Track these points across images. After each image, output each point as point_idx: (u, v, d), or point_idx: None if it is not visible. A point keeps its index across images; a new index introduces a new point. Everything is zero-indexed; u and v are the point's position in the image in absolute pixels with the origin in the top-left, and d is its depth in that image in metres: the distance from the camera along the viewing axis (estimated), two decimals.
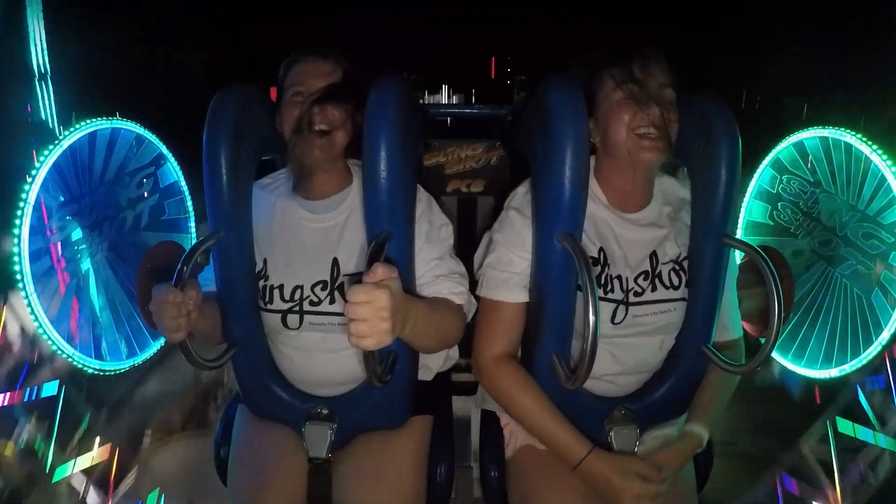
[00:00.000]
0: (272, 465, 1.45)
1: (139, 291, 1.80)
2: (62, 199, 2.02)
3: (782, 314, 1.22)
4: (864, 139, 2.04)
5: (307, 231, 1.43)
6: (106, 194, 2.17)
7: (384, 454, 1.45)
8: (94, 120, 2.09)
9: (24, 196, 1.86)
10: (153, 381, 3.19)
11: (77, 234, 2.08)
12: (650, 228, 1.39)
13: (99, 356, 2.12)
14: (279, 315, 1.40)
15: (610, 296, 1.35)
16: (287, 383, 1.48)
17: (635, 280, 1.36)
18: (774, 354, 2.23)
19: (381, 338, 1.02)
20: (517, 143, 1.58)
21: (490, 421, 1.58)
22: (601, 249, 1.36)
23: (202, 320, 1.32)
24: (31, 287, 1.87)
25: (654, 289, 1.37)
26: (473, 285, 1.45)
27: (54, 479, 2.30)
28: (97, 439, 2.50)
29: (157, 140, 2.35)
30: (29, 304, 1.88)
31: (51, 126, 2.29)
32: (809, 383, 2.29)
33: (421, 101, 1.93)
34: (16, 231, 1.84)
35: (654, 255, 1.38)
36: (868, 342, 2.04)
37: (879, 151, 2.00)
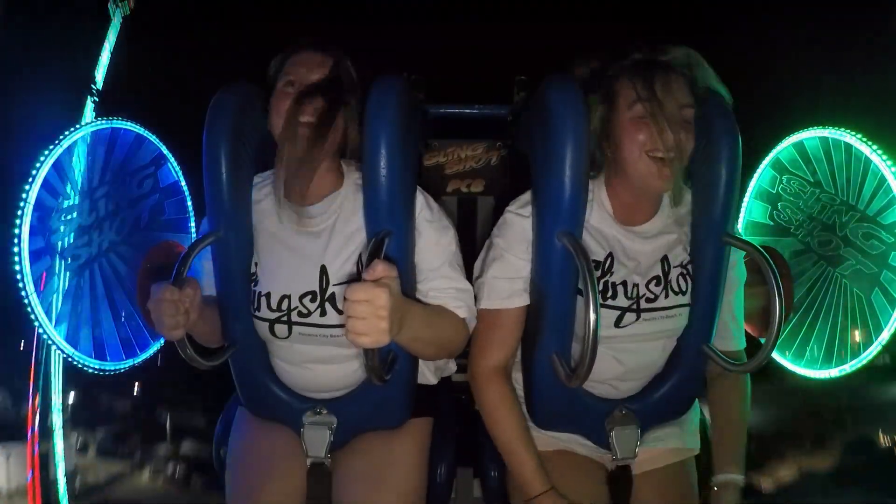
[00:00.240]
0: (271, 466, 1.44)
1: (139, 291, 1.80)
2: (62, 199, 2.02)
3: (783, 314, 1.22)
4: (864, 139, 2.04)
5: (293, 235, 1.37)
6: (106, 194, 2.17)
7: (384, 455, 1.45)
8: (94, 120, 2.09)
9: (24, 196, 1.86)
10: None
11: (77, 234, 2.08)
12: (659, 237, 1.37)
13: (99, 356, 2.12)
14: (267, 324, 1.37)
15: (611, 302, 1.34)
16: (285, 385, 1.47)
17: (647, 286, 1.35)
18: (774, 354, 2.23)
19: (378, 336, 1.02)
20: (517, 143, 1.58)
21: None
22: (609, 255, 1.34)
23: (202, 322, 1.31)
24: (30, 287, 1.87)
25: (666, 295, 1.36)
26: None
27: None
28: None
29: (157, 140, 2.35)
30: (29, 304, 1.88)
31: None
32: (807, 383, 2.29)
33: (421, 101, 1.93)
34: (16, 231, 1.84)
35: (665, 260, 1.37)
36: (868, 342, 2.04)
37: (879, 151, 2.00)
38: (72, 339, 2.02)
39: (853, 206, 2.10)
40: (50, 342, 1.92)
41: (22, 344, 2.39)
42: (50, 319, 1.93)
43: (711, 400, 1.52)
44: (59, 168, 1.98)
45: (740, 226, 2.45)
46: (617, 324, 1.34)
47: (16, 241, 1.82)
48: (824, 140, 2.18)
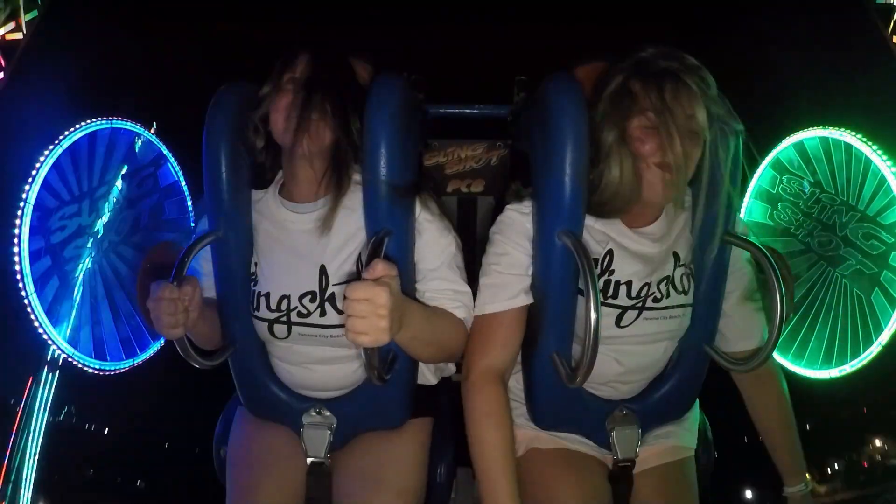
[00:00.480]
0: (270, 466, 1.44)
1: (139, 291, 1.80)
2: (62, 199, 2.02)
3: (784, 312, 1.22)
4: (864, 139, 2.04)
5: (292, 234, 1.36)
6: (106, 194, 2.17)
7: (384, 455, 1.45)
8: (94, 120, 2.09)
9: (24, 196, 1.86)
10: None
11: (77, 233, 2.08)
12: (666, 237, 1.35)
13: (99, 356, 2.12)
14: (266, 324, 1.37)
15: (611, 301, 1.33)
16: (285, 385, 1.47)
17: (658, 285, 1.34)
18: (774, 354, 2.23)
19: (378, 335, 1.02)
20: (517, 143, 1.57)
21: None
22: (608, 253, 1.33)
23: (201, 322, 1.31)
24: (30, 287, 1.87)
25: (668, 294, 1.36)
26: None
27: None
28: None
29: (157, 140, 2.35)
30: (29, 304, 1.88)
31: None
32: (808, 383, 2.29)
33: (421, 101, 1.93)
34: (16, 231, 1.84)
35: (676, 257, 1.36)
36: (868, 342, 2.04)
37: (879, 151, 2.00)
38: (72, 339, 2.02)
39: (853, 206, 2.10)
40: (50, 342, 1.92)
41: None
42: (50, 319, 1.93)
43: (752, 409, 1.51)
44: (59, 168, 1.98)
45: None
46: (618, 323, 1.34)
47: (16, 241, 1.82)
48: (824, 140, 2.19)
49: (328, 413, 1.45)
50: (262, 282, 1.38)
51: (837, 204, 2.15)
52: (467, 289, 1.35)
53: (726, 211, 1.31)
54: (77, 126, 2.06)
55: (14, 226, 1.84)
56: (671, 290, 1.35)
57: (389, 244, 1.23)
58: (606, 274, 1.33)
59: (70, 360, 2.02)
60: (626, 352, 1.37)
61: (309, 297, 1.35)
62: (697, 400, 1.57)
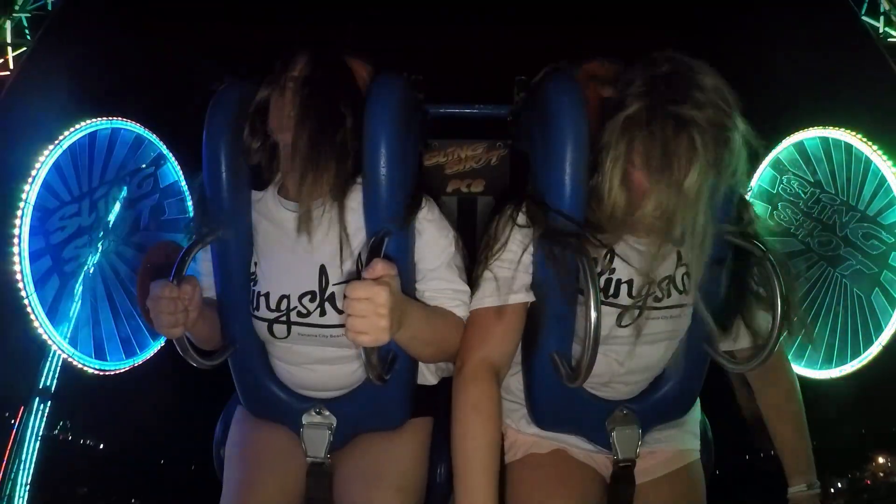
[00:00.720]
0: (270, 466, 1.44)
1: (139, 291, 1.81)
2: (62, 199, 2.02)
3: (785, 311, 1.21)
4: (865, 139, 2.04)
5: (291, 234, 1.34)
6: (106, 194, 2.17)
7: (384, 455, 1.44)
8: (94, 120, 2.09)
9: (24, 196, 1.86)
10: None
11: (77, 234, 2.08)
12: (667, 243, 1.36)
13: (99, 356, 2.12)
14: (265, 324, 1.36)
15: (612, 300, 1.33)
16: (285, 385, 1.47)
17: (659, 285, 1.32)
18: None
19: (378, 335, 1.01)
20: (517, 143, 1.57)
21: None
22: (608, 252, 1.33)
23: (202, 322, 1.30)
24: (31, 287, 1.87)
25: (668, 294, 1.35)
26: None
27: None
28: None
29: (157, 140, 2.35)
30: (29, 304, 1.88)
31: None
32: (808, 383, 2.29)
33: (421, 101, 1.93)
34: (16, 231, 1.84)
35: (679, 256, 1.36)
36: (868, 342, 2.04)
37: (880, 151, 2.00)
38: (72, 339, 2.02)
39: (853, 206, 2.11)
40: (50, 342, 1.92)
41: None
42: (50, 319, 1.93)
43: (765, 409, 1.49)
44: (59, 168, 1.98)
45: None
46: (618, 322, 1.33)
47: (16, 241, 1.82)
48: (824, 140, 2.19)
49: (328, 413, 1.45)
50: (262, 281, 1.38)
51: (837, 204, 2.15)
52: (467, 288, 1.35)
53: (726, 209, 1.31)
54: (77, 126, 2.06)
55: (14, 226, 1.83)
56: (672, 289, 1.34)
57: (389, 244, 1.23)
58: (607, 273, 1.33)
59: (70, 360, 2.02)
60: (626, 352, 1.37)
61: (309, 296, 1.35)
62: (698, 400, 1.57)
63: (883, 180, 1.99)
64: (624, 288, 1.32)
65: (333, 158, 1.34)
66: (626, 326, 1.33)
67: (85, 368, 2.10)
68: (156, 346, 2.27)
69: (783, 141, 2.29)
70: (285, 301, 1.35)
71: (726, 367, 1.38)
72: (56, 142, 1.91)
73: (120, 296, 2.17)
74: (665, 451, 1.47)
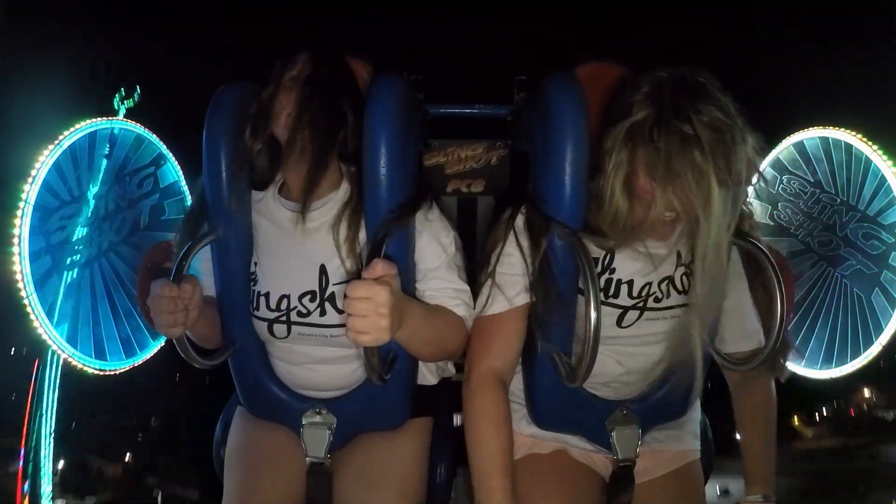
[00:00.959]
0: (270, 466, 1.44)
1: (140, 291, 1.80)
2: (62, 199, 2.02)
3: (785, 312, 1.22)
4: (865, 139, 2.04)
5: (292, 233, 1.36)
6: (106, 194, 2.17)
7: (384, 455, 1.44)
8: (94, 120, 2.09)
9: (24, 196, 1.86)
10: None
11: (77, 234, 2.08)
12: (669, 239, 1.36)
13: (99, 356, 2.12)
14: (265, 324, 1.37)
15: (612, 300, 1.33)
16: (285, 384, 1.47)
17: (659, 285, 1.33)
18: None
19: (379, 334, 1.02)
20: (517, 143, 1.57)
21: None
22: (608, 252, 1.33)
23: (202, 322, 1.31)
24: (31, 287, 1.87)
25: (668, 294, 1.35)
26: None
27: None
28: None
29: (157, 140, 2.35)
30: (29, 304, 1.88)
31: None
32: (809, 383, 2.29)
33: (421, 101, 1.93)
34: (16, 231, 1.84)
35: (679, 256, 1.36)
36: (868, 342, 2.04)
37: (880, 151, 2.00)
38: (72, 339, 2.02)
39: (853, 206, 2.11)
40: (50, 342, 1.92)
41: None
42: (50, 319, 1.93)
43: (738, 414, 1.49)
44: (59, 168, 1.98)
45: None
46: (619, 323, 1.33)
47: (16, 241, 1.82)
48: (824, 140, 2.19)
49: (328, 413, 1.45)
50: (262, 281, 1.38)
51: (837, 204, 2.15)
52: (467, 287, 1.35)
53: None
54: (77, 126, 2.06)
55: (14, 226, 1.83)
56: (671, 289, 1.34)
57: (389, 244, 1.23)
58: (607, 273, 1.33)
59: (70, 359, 2.02)
60: (626, 352, 1.37)
61: (309, 296, 1.35)
62: (698, 400, 1.57)
63: (883, 180, 1.99)
64: (624, 288, 1.32)
65: (335, 157, 1.34)
66: (626, 327, 1.33)
67: (85, 368, 2.10)
68: (156, 346, 2.27)
69: (783, 141, 2.29)
70: (285, 301, 1.35)
71: (725, 368, 1.39)
72: (56, 142, 1.91)
73: (120, 296, 2.17)
74: (665, 450, 1.47)
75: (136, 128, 2.27)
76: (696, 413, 1.56)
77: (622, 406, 1.43)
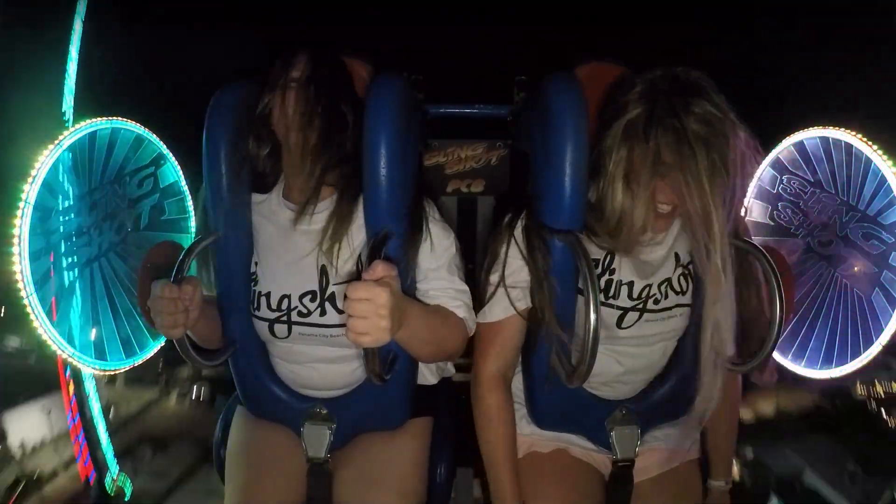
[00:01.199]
0: (271, 466, 1.44)
1: (140, 291, 1.80)
2: (62, 199, 2.02)
3: (784, 314, 1.22)
4: (865, 139, 2.04)
5: (293, 235, 1.36)
6: (106, 194, 2.17)
7: (385, 455, 1.45)
8: (94, 120, 2.09)
9: (24, 196, 1.86)
10: None
11: (77, 233, 2.08)
12: (666, 242, 1.35)
13: (99, 356, 2.12)
14: (266, 324, 1.37)
15: (612, 301, 1.33)
16: (285, 384, 1.47)
17: (659, 286, 1.33)
18: (775, 354, 2.23)
19: (379, 335, 1.02)
20: (517, 143, 1.57)
21: None
22: (608, 253, 1.33)
23: (203, 321, 1.31)
24: (30, 287, 1.87)
25: (666, 295, 1.36)
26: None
27: None
28: None
29: (157, 140, 2.35)
30: (29, 304, 1.88)
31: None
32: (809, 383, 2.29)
33: (421, 101, 1.93)
34: (16, 231, 1.84)
35: (677, 258, 1.36)
36: (868, 342, 2.04)
37: (880, 151, 2.00)
38: (72, 339, 2.02)
39: (853, 206, 2.10)
40: (50, 342, 1.92)
41: None
42: (50, 319, 1.93)
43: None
44: (59, 168, 1.98)
45: None
46: (619, 324, 1.33)
47: (16, 241, 1.82)
48: (824, 140, 2.18)
49: (328, 413, 1.45)
50: (263, 281, 1.38)
51: (837, 204, 2.15)
52: (467, 288, 1.36)
53: (727, 211, 1.31)
54: (77, 126, 2.06)
55: (14, 226, 1.83)
56: (669, 291, 1.35)
57: (390, 244, 1.23)
58: (607, 273, 1.33)
59: (70, 359, 2.02)
60: (625, 352, 1.37)
61: (309, 296, 1.35)
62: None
63: (883, 180, 1.99)
64: (624, 289, 1.32)
65: (337, 158, 1.34)
66: (626, 328, 1.33)
67: (85, 367, 2.10)
68: (156, 346, 2.27)
69: (783, 141, 2.29)
70: (286, 301, 1.35)
71: (725, 369, 1.39)
72: (56, 142, 1.91)
73: (120, 296, 2.17)
74: (663, 449, 1.48)
75: (136, 128, 2.27)
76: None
77: (622, 406, 1.43)
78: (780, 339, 1.25)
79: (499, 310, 1.34)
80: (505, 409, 1.36)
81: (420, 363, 1.47)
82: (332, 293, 1.34)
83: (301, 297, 1.35)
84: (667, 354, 1.42)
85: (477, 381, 1.37)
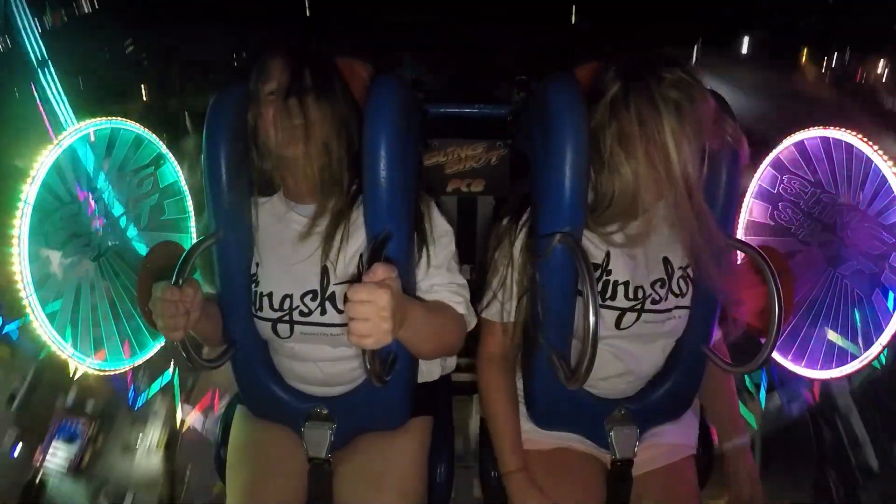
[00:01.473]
0: (271, 465, 1.45)
1: (140, 292, 1.80)
2: (62, 199, 2.02)
3: (782, 314, 1.22)
4: (865, 139, 2.04)
5: (294, 235, 1.38)
6: (106, 194, 2.17)
7: (385, 454, 1.45)
8: (94, 120, 2.09)
9: (24, 196, 1.86)
10: None
11: (77, 234, 2.08)
12: (655, 237, 1.37)
13: (99, 356, 2.12)
14: (269, 324, 1.38)
15: (610, 302, 1.34)
16: (286, 384, 1.48)
17: (652, 287, 1.35)
18: (775, 355, 2.23)
19: (381, 337, 1.02)
20: (517, 143, 1.58)
21: None
22: (607, 254, 1.34)
23: (204, 321, 1.31)
24: (30, 287, 1.87)
25: (666, 297, 1.36)
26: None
27: None
28: None
29: (157, 140, 2.35)
30: (29, 305, 1.88)
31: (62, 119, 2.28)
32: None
33: (421, 101, 1.93)
34: (15, 231, 1.84)
35: (667, 262, 1.37)
36: (868, 342, 2.03)
37: (880, 151, 2.00)
38: (72, 339, 2.02)
39: (853, 206, 2.10)
40: (50, 342, 1.92)
41: None
42: (50, 320, 1.93)
43: (704, 389, 1.54)
44: (59, 168, 1.97)
45: (741, 226, 2.45)
46: (617, 325, 1.34)
47: (15, 241, 1.82)
48: (824, 140, 2.18)
49: (329, 413, 1.45)
50: (264, 282, 1.38)
51: (837, 204, 2.15)
52: (465, 282, 1.39)
53: (726, 214, 1.32)
54: (77, 126, 2.06)
55: (14, 226, 1.83)
56: (669, 293, 1.35)
57: (390, 245, 1.23)
58: (605, 274, 1.33)
59: (70, 359, 2.02)
60: (624, 352, 1.38)
61: (310, 295, 1.35)
62: (698, 399, 1.57)
63: (883, 180, 1.99)
64: (621, 290, 1.32)
65: (336, 161, 1.34)
66: (625, 329, 1.33)
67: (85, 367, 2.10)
68: (156, 346, 2.28)
69: (783, 141, 2.28)
70: (288, 300, 1.36)
71: (724, 369, 1.39)
72: (56, 141, 1.91)
73: (120, 296, 2.17)
74: (662, 444, 1.49)
75: (136, 128, 2.27)
76: (695, 412, 1.57)
77: (621, 406, 1.43)
78: (779, 340, 1.26)
79: (494, 310, 1.40)
80: (507, 379, 1.48)
81: (421, 361, 1.48)
82: (333, 293, 1.34)
83: (302, 296, 1.35)
84: (666, 354, 1.43)
85: (482, 357, 1.49)
